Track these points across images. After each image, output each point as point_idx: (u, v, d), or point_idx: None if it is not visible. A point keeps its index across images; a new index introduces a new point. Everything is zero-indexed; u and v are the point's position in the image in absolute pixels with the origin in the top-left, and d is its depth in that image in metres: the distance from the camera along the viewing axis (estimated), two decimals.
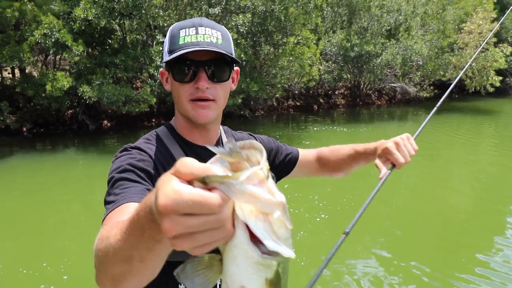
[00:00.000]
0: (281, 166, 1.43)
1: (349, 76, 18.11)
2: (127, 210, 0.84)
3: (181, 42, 1.05)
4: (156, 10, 10.63)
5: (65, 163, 9.12)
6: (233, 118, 13.86)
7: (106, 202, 0.95)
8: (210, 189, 0.45)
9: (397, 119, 17.14)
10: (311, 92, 18.18)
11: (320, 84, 17.89)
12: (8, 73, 11.68)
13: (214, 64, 1.05)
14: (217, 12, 13.00)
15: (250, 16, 11.79)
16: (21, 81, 10.32)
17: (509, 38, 23.06)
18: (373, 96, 20.44)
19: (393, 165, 1.28)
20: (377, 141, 1.36)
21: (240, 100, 12.07)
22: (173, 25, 1.12)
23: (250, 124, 13.81)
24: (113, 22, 11.24)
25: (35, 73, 11.12)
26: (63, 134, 11.77)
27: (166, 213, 0.45)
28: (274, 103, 16.35)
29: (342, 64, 16.66)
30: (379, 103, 20.51)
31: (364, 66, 16.66)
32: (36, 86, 9.83)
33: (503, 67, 19.30)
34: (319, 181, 7.88)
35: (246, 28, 11.88)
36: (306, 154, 1.50)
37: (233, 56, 1.10)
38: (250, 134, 1.43)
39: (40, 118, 11.33)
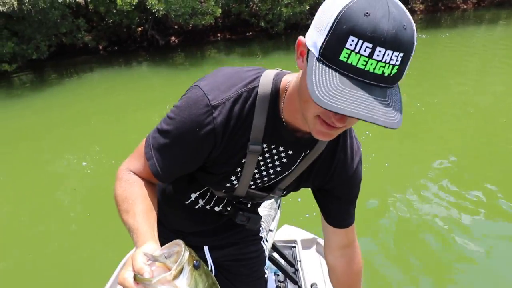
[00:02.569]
0: (325, 202, 1.11)
1: None
2: (145, 169, 0.96)
3: (343, 57, 0.66)
4: None
5: (139, 78, 9.57)
6: (299, 29, 13.19)
7: (151, 139, 0.94)
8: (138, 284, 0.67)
9: (485, 23, 15.10)
10: None
11: None
12: None
13: None
14: None
15: None
16: None
17: None
18: None
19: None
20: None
21: (307, 7, 11.31)
22: (348, 5, 0.66)
23: None
24: None
25: None
26: (135, 51, 12.21)
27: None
28: None
29: None
30: (465, 7, 18.07)
31: None
32: (106, 2, 10.03)
33: None
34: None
35: None
36: (343, 235, 1.14)
37: (402, 78, 0.72)
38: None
39: (113, 35, 11.76)
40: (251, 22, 12.97)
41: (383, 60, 0.66)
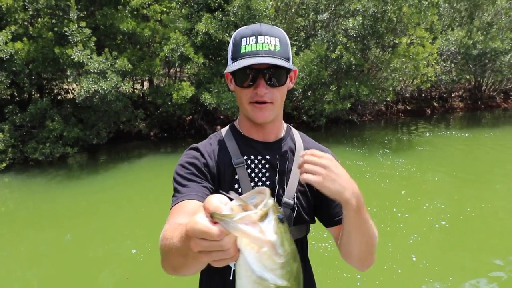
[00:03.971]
0: (324, 213, 1.31)
1: (469, 76, 16.44)
2: (186, 208, 1.10)
3: (242, 51, 1.16)
4: (265, 21, 11.08)
5: None
6: (340, 123, 13.66)
7: (174, 190, 1.20)
8: (215, 223, 0.57)
9: None
10: (423, 95, 16.97)
11: (434, 86, 16.57)
12: (140, 85, 13.34)
13: (272, 70, 1.16)
14: (325, 18, 13.01)
15: (360, 19, 11.53)
16: (151, 92, 11.71)
17: None
18: (498, 98, 18.20)
19: None
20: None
21: (349, 105, 11.85)
22: (236, 32, 1.22)
23: (357, 129, 13.45)
24: (227, 35, 12.06)
25: (161, 84, 12.50)
26: (183, 139, 12.98)
27: (189, 235, 0.62)
28: (383, 107, 15.65)
29: (462, 64, 15.21)
30: (506, 105, 18.16)
31: (489, 65, 14.94)
32: (164, 95, 11.03)
33: None
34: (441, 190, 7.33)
35: (356, 31, 11.64)
36: None
37: (290, 59, 1.20)
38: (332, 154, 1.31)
39: (165, 124, 12.68)
40: (293, 114, 13.65)
41: (265, 42, 1.15)
